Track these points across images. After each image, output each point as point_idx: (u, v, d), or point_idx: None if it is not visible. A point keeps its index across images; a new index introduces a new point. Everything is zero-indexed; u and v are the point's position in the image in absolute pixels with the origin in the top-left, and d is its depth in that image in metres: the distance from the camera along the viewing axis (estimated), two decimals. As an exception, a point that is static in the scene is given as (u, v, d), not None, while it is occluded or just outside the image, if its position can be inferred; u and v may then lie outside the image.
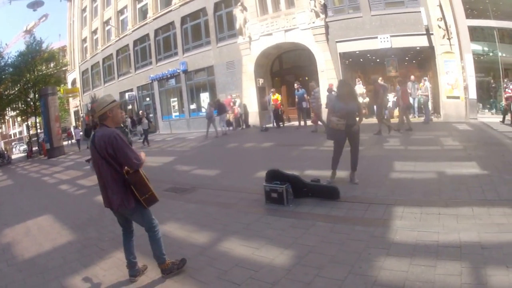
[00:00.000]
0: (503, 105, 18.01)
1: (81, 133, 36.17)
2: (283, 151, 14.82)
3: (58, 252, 6.45)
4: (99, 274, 5.30)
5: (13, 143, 64.67)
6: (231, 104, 25.37)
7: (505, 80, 18.66)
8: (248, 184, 9.62)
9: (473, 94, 19.15)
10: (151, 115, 34.62)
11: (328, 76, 22.53)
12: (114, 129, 4.66)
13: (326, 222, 6.28)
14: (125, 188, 4.60)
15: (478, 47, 21.38)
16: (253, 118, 26.28)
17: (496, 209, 5.97)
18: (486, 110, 20.39)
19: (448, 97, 20.00)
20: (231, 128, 25.00)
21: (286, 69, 28.10)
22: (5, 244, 7.49)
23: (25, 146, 45.54)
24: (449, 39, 19.58)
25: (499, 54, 21.13)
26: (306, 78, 25.44)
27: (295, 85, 21.78)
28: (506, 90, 17.34)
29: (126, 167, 4.66)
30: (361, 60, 24.80)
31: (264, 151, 15.69)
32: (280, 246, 5.47)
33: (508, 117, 17.17)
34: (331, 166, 8.54)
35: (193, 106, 30.82)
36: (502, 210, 5.89)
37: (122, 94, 38.30)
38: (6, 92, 38.15)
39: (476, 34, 21.17)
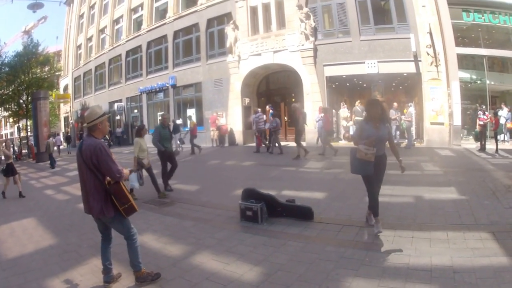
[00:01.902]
0: (477, 131, 18.22)
1: (61, 139, 36.26)
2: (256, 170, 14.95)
3: (39, 254, 6.57)
4: (76, 278, 5.39)
5: (3, 144, 63.86)
6: (216, 121, 25.45)
7: (483, 106, 18.91)
8: (225, 201, 9.73)
9: (457, 120, 19.44)
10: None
11: (313, 99, 22.73)
12: (100, 141, 4.84)
13: (298, 241, 6.34)
14: (106, 197, 4.73)
15: (466, 74, 21.74)
16: (237, 136, 26.24)
17: (472, 233, 6.06)
18: (471, 137, 20.59)
19: (432, 123, 20.26)
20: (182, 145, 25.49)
21: (273, 89, 28.27)
22: (-10, 243, 7.55)
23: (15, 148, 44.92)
24: (436, 66, 19.86)
25: (487, 82, 21.44)
26: (293, 100, 25.63)
27: (267, 107, 21.97)
28: (480, 117, 17.56)
29: (108, 178, 4.80)
30: (348, 84, 24.97)
31: (244, 169, 15.74)
32: (250, 263, 5.52)
33: (489, 144, 17.36)
34: (373, 214, 6.62)
35: (179, 121, 30.73)
36: (478, 235, 5.98)
37: (111, 104, 37.91)
38: (0, 92, 38.05)
39: (465, 61, 21.53)
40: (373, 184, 6.46)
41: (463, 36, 21.58)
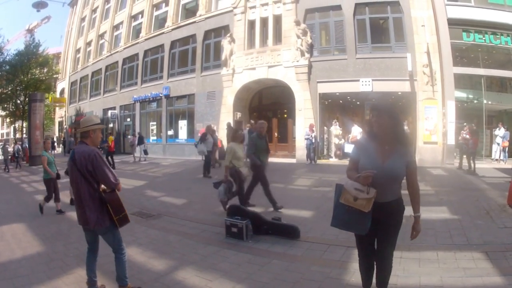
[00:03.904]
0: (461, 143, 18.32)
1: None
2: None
3: (27, 261, 6.56)
4: (61, 288, 5.35)
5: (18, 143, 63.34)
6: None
7: (465, 124, 18.99)
8: (211, 216, 9.64)
9: (451, 140, 19.55)
10: (129, 137, 34.32)
11: (305, 116, 22.72)
12: (94, 148, 4.78)
13: (282, 260, 6.24)
14: (101, 206, 4.66)
15: (462, 94, 21.81)
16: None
17: (464, 253, 6.01)
18: (465, 156, 20.63)
19: (425, 143, 20.35)
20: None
21: (265, 104, 28.34)
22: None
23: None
24: (432, 85, 19.98)
25: (484, 101, 21.51)
26: (285, 115, 25.69)
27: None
28: (463, 134, 17.69)
29: (102, 186, 4.77)
30: (341, 101, 25.07)
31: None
32: (233, 280, 5.46)
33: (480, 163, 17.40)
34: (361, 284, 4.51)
35: (170, 132, 30.70)
36: (470, 255, 5.94)
37: (105, 111, 37.76)
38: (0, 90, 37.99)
39: (463, 81, 21.58)
40: (367, 248, 4.20)
41: (462, 56, 21.72)
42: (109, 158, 22.80)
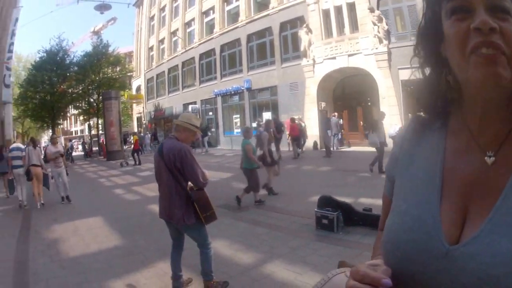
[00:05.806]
0: None
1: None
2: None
3: (103, 254, 6.74)
4: (141, 282, 5.47)
5: (73, 140, 66.70)
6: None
7: None
8: (300, 207, 9.53)
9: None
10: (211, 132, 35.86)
11: (389, 103, 22.61)
12: (185, 144, 4.73)
13: (374, 252, 6.04)
14: (187, 204, 4.64)
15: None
16: (313, 141, 25.95)
17: None
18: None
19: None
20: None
21: (349, 93, 28.33)
22: (52, 239, 7.98)
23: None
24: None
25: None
26: (369, 103, 25.31)
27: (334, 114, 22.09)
28: None
29: (189, 183, 4.78)
30: (424, 87, 24.27)
31: (319, 175, 15.62)
32: (323, 273, 5.39)
33: None
34: None
35: (254, 124, 30.89)
36: None
37: (185, 105, 39.70)
38: (70, 90, 40.69)
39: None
40: None
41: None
42: (135, 155, 25.67)
